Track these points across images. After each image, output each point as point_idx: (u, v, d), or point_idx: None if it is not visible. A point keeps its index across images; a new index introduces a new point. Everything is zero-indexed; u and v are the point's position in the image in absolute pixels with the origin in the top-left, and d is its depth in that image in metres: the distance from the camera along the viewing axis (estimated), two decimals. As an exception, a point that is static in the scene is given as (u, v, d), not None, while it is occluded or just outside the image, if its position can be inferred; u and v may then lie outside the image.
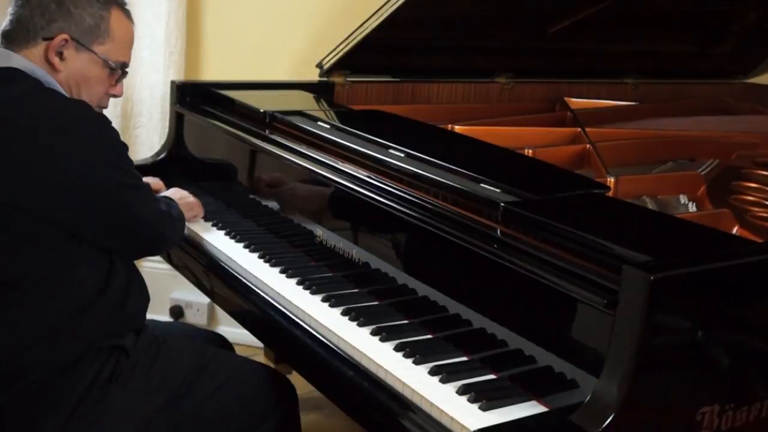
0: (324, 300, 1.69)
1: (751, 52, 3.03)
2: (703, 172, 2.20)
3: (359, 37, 2.32)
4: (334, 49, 2.40)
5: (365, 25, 2.30)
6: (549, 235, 1.41)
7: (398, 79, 2.60)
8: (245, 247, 1.97)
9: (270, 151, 2.04)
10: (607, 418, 1.21)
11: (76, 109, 1.56)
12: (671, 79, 3.04)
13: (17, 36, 1.60)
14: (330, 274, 1.82)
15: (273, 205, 2.09)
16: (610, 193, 1.81)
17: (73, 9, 1.60)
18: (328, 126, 2.03)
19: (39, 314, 1.53)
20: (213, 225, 2.11)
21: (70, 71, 1.62)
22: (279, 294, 1.74)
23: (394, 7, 2.22)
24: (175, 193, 2.02)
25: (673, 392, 1.28)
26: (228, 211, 2.19)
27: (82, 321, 1.57)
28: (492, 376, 1.43)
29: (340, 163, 1.85)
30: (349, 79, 2.50)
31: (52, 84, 1.59)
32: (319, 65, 2.46)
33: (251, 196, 2.16)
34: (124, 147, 1.63)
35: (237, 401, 1.67)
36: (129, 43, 1.72)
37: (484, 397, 1.35)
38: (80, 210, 1.53)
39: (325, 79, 2.48)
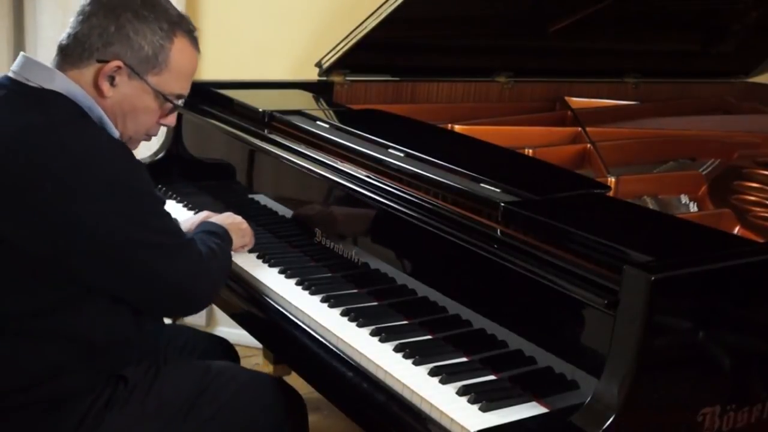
0: (323, 300, 1.68)
1: (753, 51, 3.02)
2: (705, 172, 2.20)
3: (358, 36, 2.31)
4: (334, 48, 2.40)
5: (364, 24, 2.29)
6: (549, 235, 1.40)
7: (398, 79, 2.59)
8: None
9: (269, 150, 2.03)
10: (608, 419, 1.21)
11: (106, 149, 1.44)
12: (672, 79, 3.03)
13: (72, 52, 1.50)
14: (329, 275, 1.81)
15: (273, 205, 2.08)
16: (611, 193, 1.80)
17: (132, 35, 1.50)
18: (327, 126, 2.02)
19: (43, 352, 1.46)
20: (212, 225, 2.10)
21: (118, 98, 1.52)
22: (278, 294, 1.73)
23: (394, 6, 2.21)
24: (227, 218, 1.86)
25: (674, 393, 1.28)
26: (227, 211, 2.17)
27: (90, 361, 1.50)
28: (492, 377, 1.43)
29: (339, 162, 1.84)
30: (348, 78, 2.49)
31: (93, 111, 1.49)
32: (318, 64, 2.45)
33: (250, 196, 2.15)
34: (154, 199, 1.51)
35: (242, 421, 1.62)
36: (189, 74, 1.61)
37: (484, 398, 1.35)
38: (89, 263, 1.42)
39: (324, 78, 2.47)
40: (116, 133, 1.53)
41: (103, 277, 1.46)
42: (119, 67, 1.50)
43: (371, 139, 1.88)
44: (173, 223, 1.59)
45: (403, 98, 2.59)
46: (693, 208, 2.01)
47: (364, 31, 2.29)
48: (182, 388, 1.58)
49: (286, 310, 1.69)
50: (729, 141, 2.43)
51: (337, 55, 2.39)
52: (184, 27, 1.57)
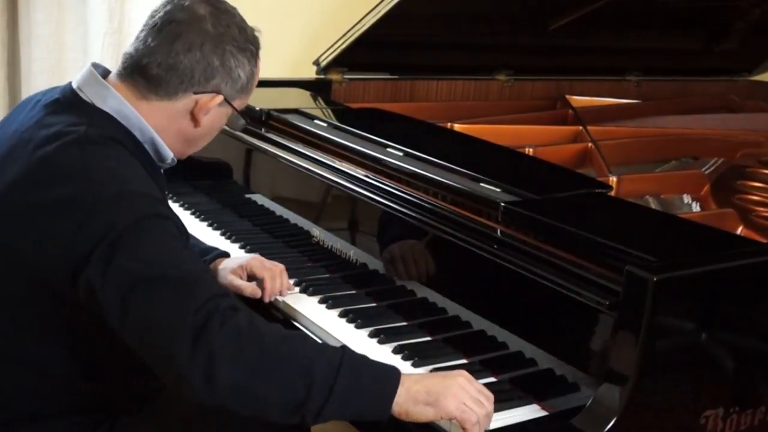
0: (321, 301, 1.67)
1: (756, 49, 3.01)
2: (707, 171, 2.19)
3: (357, 34, 2.30)
4: (332, 46, 2.39)
5: (363, 22, 2.28)
6: (550, 235, 1.40)
7: (396, 77, 2.59)
8: (241, 247, 1.95)
9: (266, 149, 2.02)
10: (609, 422, 1.21)
11: (124, 180, 1.33)
12: (675, 77, 3.02)
13: (165, 84, 1.41)
14: (327, 275, 1.80)
15: (270, 205, 2.07)
16: (612, 193, 1.80)
17: (234, 66, 1.45)
18: (325, 124, 2.01)
19: (43, 366, 1.40)
20: (208, 225, 2.09)
21: (205, 125, 1.48)
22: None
23: (392, 3, 2.21)
24: (446, 379, 1.27)
25: (677, 395, 1.28)
26: (223, 210, 2.17)
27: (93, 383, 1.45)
28: (492, 379, 1.42)
29: (337, 162, 1.83)
30: (346, 76, 2.48)
31: (145, 133, 1.42)
32: (316, 62, 2.44)
33: (247, 196, 2.14)
34: (163, 232, 1.31)
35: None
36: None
37: (484, 400, 1.33)
38: (66, 283, 1.30)
39: (322, 76, 2.47)
40: (170, 155, 1.49)
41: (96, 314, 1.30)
42: (221, 100, 1.46)
43: (370, 138, 1.87)
44: (188, 259, 1.33)
45: (401, 96, 2.58)
46: (695, 207, 2.00)
47: (363, 29, 2.28)
48: (185, 409, 1.49)
49: (284, 311, 1.67)
50: (732, 140, 2.42)
51: (335, 53, 2.38)
52: (259, 46, 1.52)
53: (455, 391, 1.24)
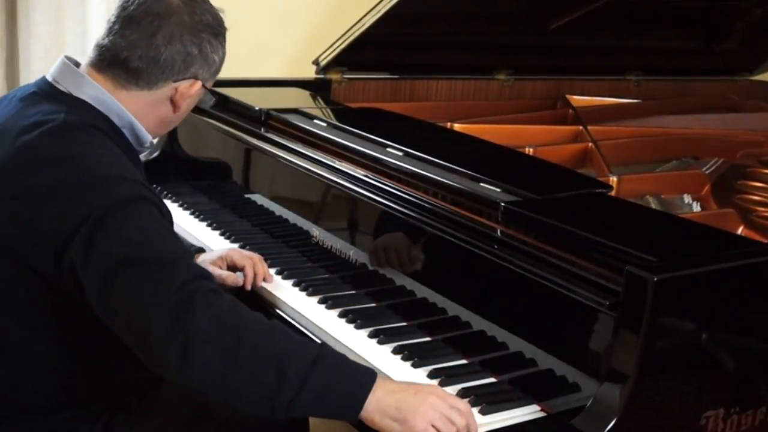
0: (321, 302, 1.67)
1: (757, 49, 3.01)
2: (708, 171, 2.18)
3: (356, 34, 2.30)
4: (331, 46, 2.39)
5: (363, 21, 2.28)
6: (550, 235, 1.39)
7: (396, 76, 2.58)
8: (241, 247, 1.94)
9: (265, 149, 2.02)
10: (610, 423, 1.20)
11: (105, 165, 1.34)
12: (675, 76, 3.01)
13: (146, 76, 1.44)
14: (326, 276, 1.79)
15: (270, 205, 2.06)
16: (613, 193, 1.79)
17: (210, 53, 1.49)
18: (324, 124, 2.01)
19: (44, 356, 1.41)
20: (207, 225, 2.09)
21: (183, 109, 1.53)
22: (274, 295, 1.71)
23: (392, 2, 2.20)
24: (434, 394, 1.26)
25: (677, 396, 1.27)
26: (222, 210, 2.17)
27: (96, 376, 1.46)
28: (492, 380, 1.42)
29: (337, 161, 1.83)
30: (346, 76, 2.48)
31: (123, 117, 1.45)
32: (316, 62, 2.44)
33: (246, 196, 2.14)
34: (142, 214, 1.32)
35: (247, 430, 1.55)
36: None
37: (484, 400, 1.34)
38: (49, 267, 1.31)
39: (321, 76, 2.47)
40: (148, 138, 1.51)
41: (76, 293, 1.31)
42: (200, 86, 1.51)
43: (369, 137, 1.87)
44: (168, 242, 1.33)
45: (401, 96, 2.58)
46: (696, 207, 2.00)
47: (362, 28, 2.28)
48: (181, 411, 1.51)
49: (284, 312, 1.67)
50: (732, 140, 2.42)
51: (334, 53, 2.38)
52: (225, 27, 1.56)
53: (424, 410, 1.22)
